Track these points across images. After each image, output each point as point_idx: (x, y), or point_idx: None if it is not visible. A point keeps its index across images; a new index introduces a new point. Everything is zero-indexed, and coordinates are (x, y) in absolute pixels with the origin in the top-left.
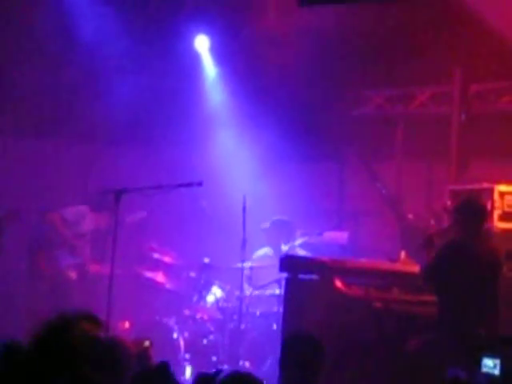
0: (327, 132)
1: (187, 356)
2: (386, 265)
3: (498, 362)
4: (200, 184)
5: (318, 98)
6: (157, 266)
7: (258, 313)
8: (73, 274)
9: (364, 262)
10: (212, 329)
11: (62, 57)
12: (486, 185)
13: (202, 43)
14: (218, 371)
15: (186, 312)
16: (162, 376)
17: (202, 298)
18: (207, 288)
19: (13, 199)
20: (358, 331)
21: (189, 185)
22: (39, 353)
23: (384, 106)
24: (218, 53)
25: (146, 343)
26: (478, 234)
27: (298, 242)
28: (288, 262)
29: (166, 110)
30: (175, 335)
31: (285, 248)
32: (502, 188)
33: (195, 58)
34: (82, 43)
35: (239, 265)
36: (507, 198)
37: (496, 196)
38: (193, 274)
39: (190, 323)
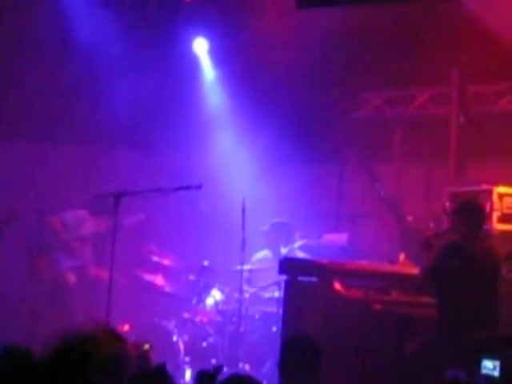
0: (326, 134)
1: (187, 359)
2: (385, 267)
3: (497, 363)
4: (199, 187)
5: (316, 100)
6: (156, 268)
7: (257, 315)
8: (72, 277)
9: (363, 264)
10: (211, 331)
11: (61, 59)
12: (484, 186)
13: (200, 46)
14: (219, 367)
15: (186, 315)
16: (159, 377)
17: (202, 300)
18: (207, 291)
19: (11, 202)
20: (358, 333)
21: (188, 187)
22: (56, 367)
23: (383, 108)
24: (217, 55)
25: (146, 346)
26: (477, 236)
27: (297, 244)
28: (287, 265)
29: (165, 113)
30: (175, 338)
31: (284, 250)
32: (501, 190)
33: (194, 60)
34: (80, 46)
35: (238, 267)
36: (506, 199)
37: (495, 197)
38: (192, 277)
39: (189, 326)
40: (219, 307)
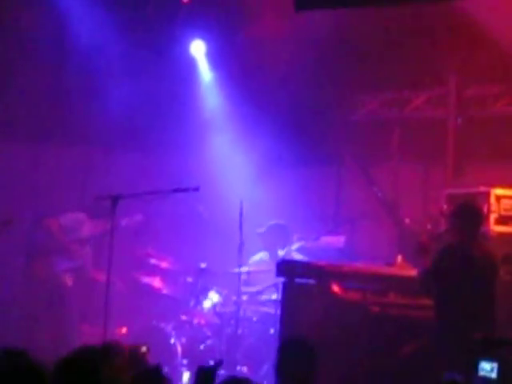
0: (323, 136)
1: (184, 361)
2: (382, 269)
3: (495, 365)
4: (197, 189)
5: (314, 102)
6: (154, 271)
7: (255, 317)
8: (69, 279)
9: (361, 266)
10: (209, 334)
11: (58, 61)
12: (482, 188)
13: (198, 48)
14: (219, 362)
15: (183, 317)
16: (154, 379)
17: (199, 303)
18: (204, 293)
19: (9, 204)
20: (355, 335)
21: (185, 190)
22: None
23: (380, 110)
24: (214, 57)
25: (144, 349)
26: (474, 238)
27: (295, 246)
28: (285, 267)
29: (163, 115)
30: (172, 340)
31: (281, 252)
32: (499, 191)
33: (191, 62)
34: (77, 47)
35: (236, 269)
36: (503, 201)
37: (492, 199)
38: (190, 279)
39: (187, 328)
40: (217, 309)
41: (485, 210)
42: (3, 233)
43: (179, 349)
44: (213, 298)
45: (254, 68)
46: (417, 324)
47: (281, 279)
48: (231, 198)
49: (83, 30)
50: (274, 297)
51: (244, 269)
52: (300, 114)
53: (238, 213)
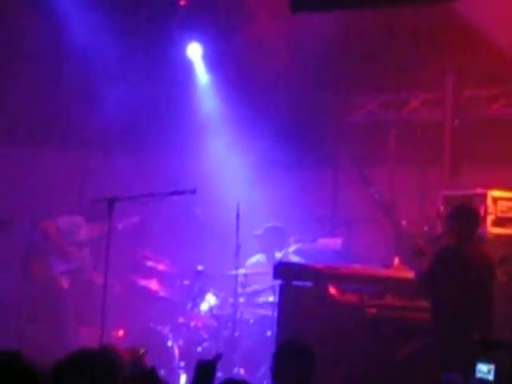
0: (320, 138)
1: (182, 364)
2: (379, 271)
3: (492, 367)
4: (194, 191)
5: (310, 104)
6: (151, 273)
7: (252, 320)
8: (65, 281)
9: (358, 268)
10: (206, 336)
11: (55, 64)
12: (479, 190)
13: (194, 50)
14: (218, 355)
15: (180, 320)
16: (150, 381)
17: (196, 305)
18: (201, 295)
19: (6, 206)
20: (352, 337)
21: (182, 192)
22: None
23: (377, 112)
24: (211, 60)
25: (141, 351)
26: (471, 240)
27: (292, 248)
28: (282, 269)
29: (160, 117)
30: (169, 343)
31: (278, 255)
32: (495, 193)
33: (188, 65)
34: (75, 50)
35: (233, 272)
36: (500, 203)
37: (489, 201)
38: (187, 282)
39: (184, 331)
40: (214, 312)
41: (482, 211)
42: (3, 233)
43: (176, 351)
44: (210, 301)
45: (251, 70)
46: (414, 326)
47: (278, 281)
48: (228, 200)
49: (80, 34)
50: (271, 299)
51: (241, 271)
52: (297, 116)
53: (235, 215)
